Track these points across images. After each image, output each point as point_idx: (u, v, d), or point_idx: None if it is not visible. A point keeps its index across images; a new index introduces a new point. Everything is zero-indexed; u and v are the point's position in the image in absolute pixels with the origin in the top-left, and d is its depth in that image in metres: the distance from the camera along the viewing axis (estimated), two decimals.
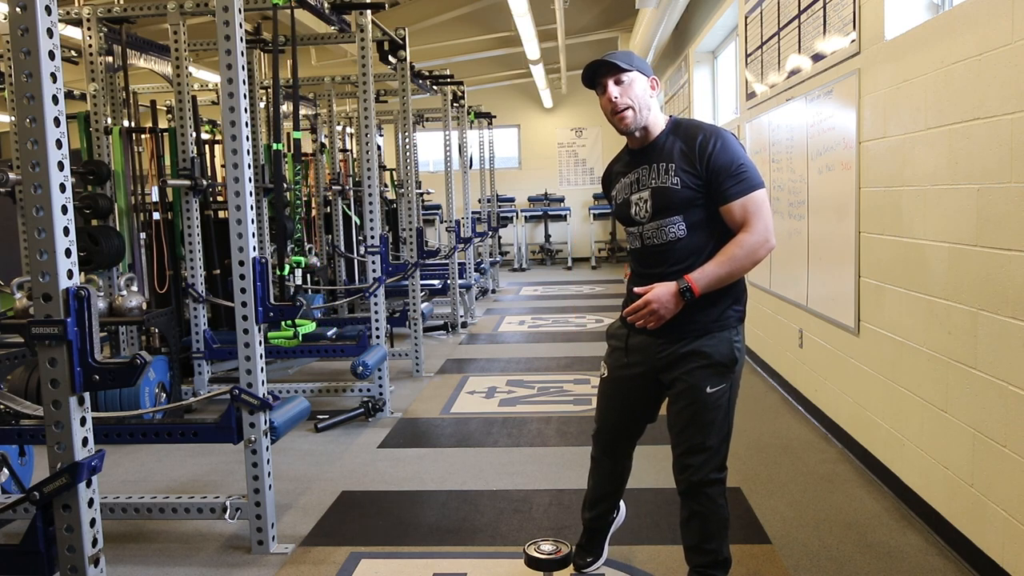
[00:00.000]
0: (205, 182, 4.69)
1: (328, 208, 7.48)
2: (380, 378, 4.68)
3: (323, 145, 7.88)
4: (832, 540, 2.87)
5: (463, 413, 4.73)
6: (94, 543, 2.03)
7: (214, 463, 3.88)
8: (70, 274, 1.91)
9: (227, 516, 2.90)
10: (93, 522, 2.02)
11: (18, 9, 1.82)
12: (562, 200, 14.13)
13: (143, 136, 5.11)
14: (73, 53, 6.42)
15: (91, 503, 2.02)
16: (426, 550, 2.89)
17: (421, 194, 8.99)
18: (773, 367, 5.10)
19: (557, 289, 10.75)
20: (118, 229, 4.73)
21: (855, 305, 3.56)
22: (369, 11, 4.56)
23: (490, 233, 10.71)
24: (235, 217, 2.77)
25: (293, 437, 4.23)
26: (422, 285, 6.53)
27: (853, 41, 3.53)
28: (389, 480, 3.62)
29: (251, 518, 2.90)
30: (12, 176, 4.21)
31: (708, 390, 2.23)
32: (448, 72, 7.55)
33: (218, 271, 5.42)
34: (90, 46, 4.60)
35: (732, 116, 6.79)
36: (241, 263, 2.78)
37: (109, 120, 4.73)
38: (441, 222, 12.93)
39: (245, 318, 2.80)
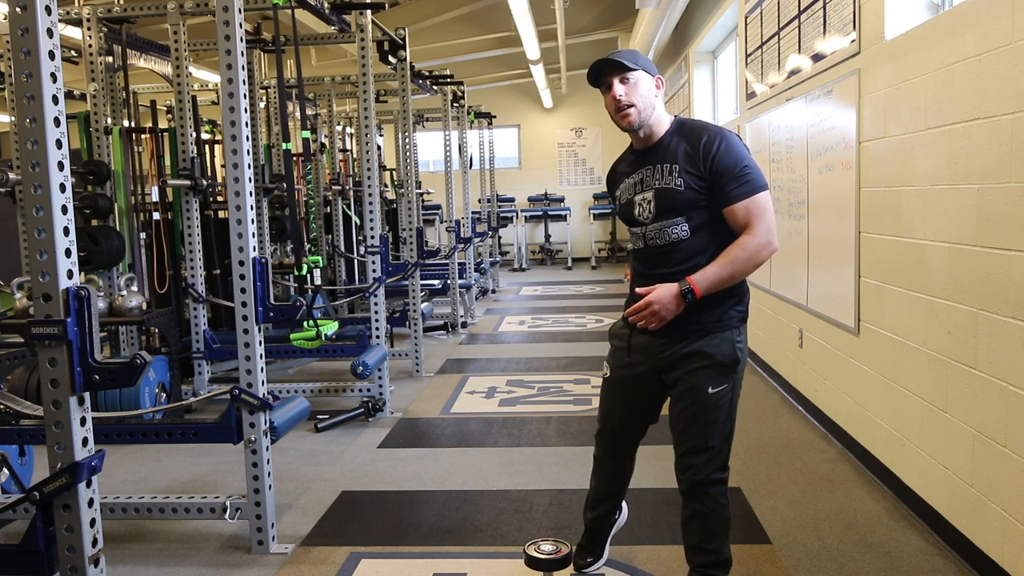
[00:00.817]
0: (205, 182, 4.68)
1: (328, 208, 7.48)
2: (380, 378, 4.68)
3: (323, 145, 7.89)
4: (832, 540, 2.87)
5: (463, 413, 4.73)
6: (94, 543, 2.03)
7: (214, 463, 3.88)
8: (70, 274, 1.91)
9: (227, 516, 2.90)
10: (93, 522, 2.02)
11: (18, 9, 1.82)
12: (562, 200, 14.13)
13: (143, 136, 5.11)
14: (73, 53, 6.42)
15: (91, 503, 2.02)
16: (426, 550, 2.89)
17: (421, 194, 8.99)
18: (773, 367, 5.10)
19: (557, 289, 10.75)
20: (118, 229, 4.73)
21: (855, 305, 3.56)
22: (369, 11, 4.56)
23: (490, 233, 10.71)
24: (235, 217, 2.77)
25: (293, 437, 4.23)
26: (422, 285, 6.53)
27: (853, 41, 3.53)
28: (389, 480, 3.62)
29: (251, 518, 2.90)
30: (12, 176, 4.22)
31: (710, 390, 2.23)
32: (448, 72, 7.55)
33: (218, 271, 5.42)
34: (90, 46, 4.60)
35: (732, 116, 6.79)
36: (241, 263, 2.78)
37: (109, 120, 4.73)
38: (441, 222, 12.93)
39: (245, 318, 2.80)
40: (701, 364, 2.24)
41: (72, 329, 1.90)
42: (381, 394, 4.69)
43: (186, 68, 4.57)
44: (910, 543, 2.83)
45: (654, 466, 3.52)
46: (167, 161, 5.19)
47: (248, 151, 2.77)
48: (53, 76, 1.85)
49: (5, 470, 3.14)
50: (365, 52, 4.59)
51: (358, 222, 7.69)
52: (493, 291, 10.51)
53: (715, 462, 2.26)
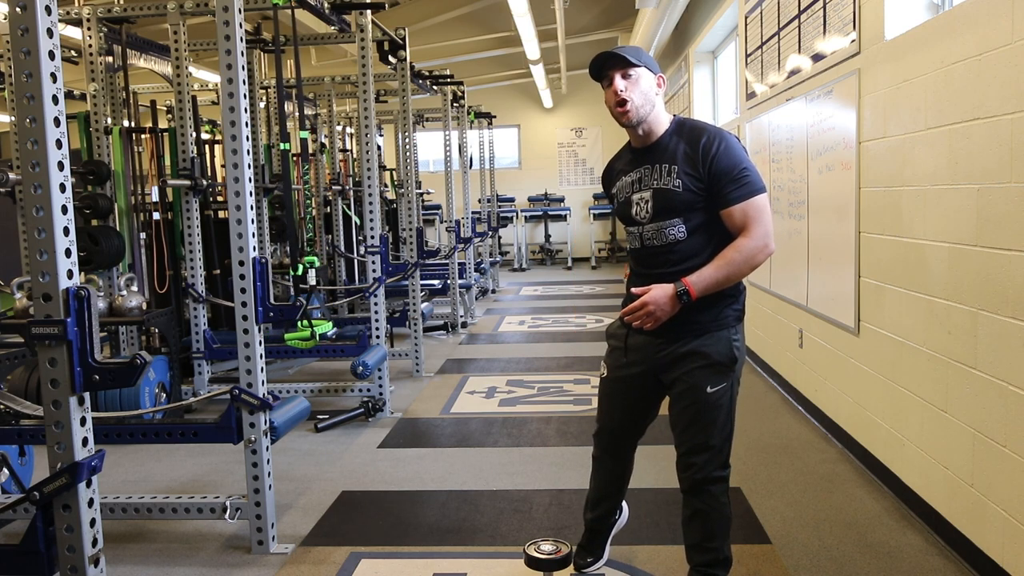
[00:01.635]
0: (205, 182, 4.68)
1: (328, 208, 7.48)
2: (380, 378, 4.68)
3: (323, 145, 7.89)
4: (832, 540, 2.87)
5: (463, 413, 4.73)
6: (94, 543, 2.03)
7: (214, 463, 3.88)
8: (70, 274, 1.91)
9: (227, 516, 2.90)
10: (93, 522, 2.02)
11: (18, 9, 1.82)
12: (562, 200, 14.14)
13: (143, 136, 5.11)
14: (73, 53, 6.42)
15: (91, 503, 2.02)
16: (426, 550, 2.89)
17: (421, 194, 8.99)
18: (773, 367, 5.10)
19: (557, 289, 10.75)
20: (118, 229, 4.73)
21: (855, 305, 3.56)
22: (369, 11, 4.56)
23: (490, 233, 10.71)
24: (235, 217, 2.77)
25: (293, 437, 4.23)
26: (422, 285, 6.53)
27: (853, 41, 3.53)
28: (389, 480, 3.62)
29: (251, 518, 2.90)
30: (12, 176, 4.21)
31: (709, 390, 2.24)
32: (448, 72, 7.55)
33: (218, 271, 5.42)
34: (90, 46, 4.60)
35: (732, 116, 6.79)
36: (241, 263, 2.78)
37: (109, 120, 4.73)
38: (441, 222, 12.93)
39: (245, 318, 2.80)
40: (699, 364, 2.24)
41: (72, 329, 1.90)
42: (381, 394, 4.69)
43: (186, 68, 4.57)
44: (910, 543, 2.83)
45: (654, 466, 3.51)
46: (167, 161, 5.19)
47: (248, 151, 2.77)
48: (53, 76, 1.85)
49: (5, 470, 3.14)
50: (365, 52, 4.59)
51: (358, 222, 7.69)
52: (493, 291, 10.51)
53: (716, 460, 2.27)
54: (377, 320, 4.72)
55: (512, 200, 13.90)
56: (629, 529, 2.88)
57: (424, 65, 8.82)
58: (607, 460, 2.57)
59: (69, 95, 6.49)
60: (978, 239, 2.51)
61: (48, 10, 1.83)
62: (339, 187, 7.50)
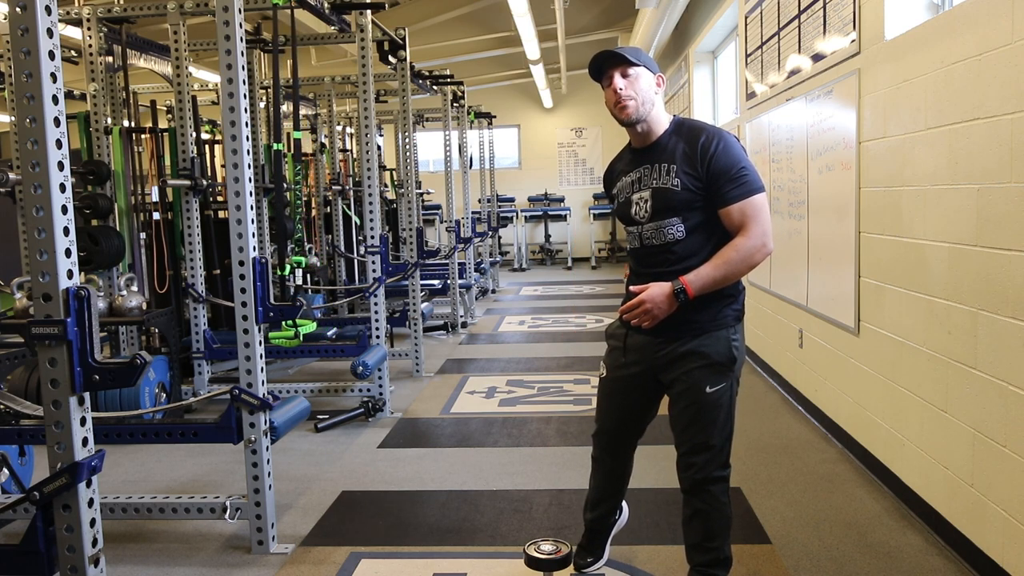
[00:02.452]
0: (205, 182, 4.69)
1: (328, 208, 7.48)
2: (380, 378, 4.68)
3: (323, 145, 7.89)
4: (832, 540, 2.87)
5: (463, 413, 4.73)
6: (94, 543, 2.03)
7: (214, 463, 3.88)
8: (70, 274, 1.91)
9: (227, 516, 2.90)
10: (93, 522, 2.02)
11: (18, 9, 1.82)
12: (562, 200, 14.13)
13: (143, 136, 5.11)
14: (73, 53, 6.42)
15: (91, 503, 2.02)
16: (426, 550, 2.89)
17: (421, 194, 8.99)
18: (773, 367, 5.10)
19: (557, 289, 10.75)
20: (118, 229, 4.73)
21: (855, 305, 3.56)
22: (369, 11, 4.56)
23: (490, 233, 10.71)
24: (235, 217, 2.77)
25: (293, 437, 4.23)
26: (422, 285, 6.53)
27: (853, 41, 3.53)
28: (389, 480, 3.62)
29: (251, 518, 2.90)
30: (12, 176, 4.21)
31: (708, 389, 2.24)
32: (448, 72, 7.55)
33: (218, 271, 5.42)
34: (90, 46, 4.60)
35: (732, 116, 6.79)
36: (241, 263, 2.78)
37: (109, 120, 4.73)
38: (441, 222, 12.93)
39: (245, 318, 2.80)
40: (698, 363, 2.25)
41: (72, 329, 1.90)
42: (381, 394, 4.69)
43: (186, 68, 4.57)
44: (910, 543, 2.83)
45: (654, 466, 3.51)
46: (167, 161, 5.19)
47: (248, 151, 2.77)
48: (53, 76, 1.85)
49: (5, 470, 3.14)
50: (365, 52, 4.59)
51: (358, 222, 7.69)
52: (493, 291, 10.51)
53: (716, 460, 2.27)
54: (377, 320, 4.72)
55: (512, 200, 13.90)
56: (629, 529, 2.88)
57: (424, 65, 8.82)
58: (606, 460, 2.57)
59: (69, 95, 6.49)
60: (978, 239, 2.51)
61: (48, 10, 1.83)
62: (339, 187, 7.50)
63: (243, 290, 2.79)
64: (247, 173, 2.76)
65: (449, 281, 7.57)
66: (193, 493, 3.29)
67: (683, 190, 2.22)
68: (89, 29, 4.58)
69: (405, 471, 3.72)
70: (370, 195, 4.75)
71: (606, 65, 2.28)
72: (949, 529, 2.75)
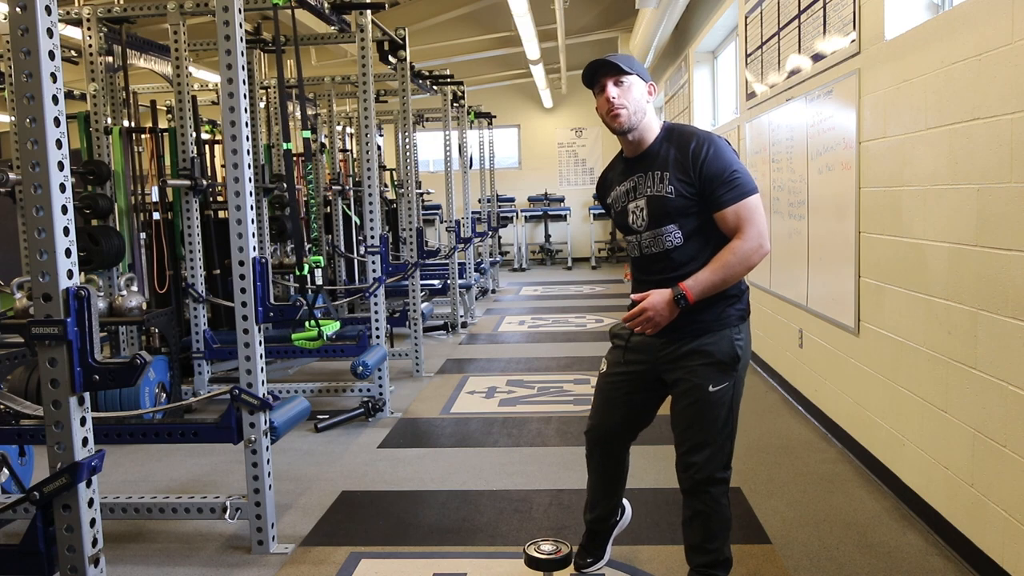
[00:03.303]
0: (205, 182, 4.68)
1: (328, 208, 7.48)
2: (380, 378, 4.68)
3: (323, 145, 7.89)
4: (832, 540, 2.87)
5: (463, 413, 4.73)
6: (94, 543, 2.03)
7: (214, 463, 3.88)
8: (70, 274, 1.91)
9: (227, 516, 2.90)
10: (93, 522, 2.02)
11: (18, 9, 1.82)
12: (562, 200, 14.14)
13: (143, 136, 5.11)
14: (73, 53, 6.42)
15: (91, 503, 2.02)
16: (426, 550, 2.89)
17: (421, 194, 8.99)
18: (773, 367, 5.10)
19: (557, 289, 10.75)
20: (118, 229, 4.73)
21: (855, 305, 3.56)
22: (369, 11, 4.56)
23: (490, 233, 10.71)
24: (235, 217, 2.77)
25: (293, 437, 4.23)
26: (422, 285, 6.53)
27: (853, 41, 3.53)
28: (389, 480, 3.62)
29: (251, 518, 2.90)
30: (12, 176, 4.21)
31: (711, 388, 2.24)
32: (448, 72, 7.55)
33: (218, 271, 5.42)
34: (90, 46, 4.60)
35: (732, 116, 6.79)
36: (241, 263, 2.78)
37: (109, 120, 4.73)
38: (441, 222, 12.93)
39: (245, 318, 2.80)
40: (701, 362, 2.25)
41: (72, 329, 1.90)
42: (381, 394, 4.69)
43: (186, 68, 4.57)
44: (910, 543, 2.83)
45: (654, 466, 3.52)
46: (167, 161, 5.19)
47: (248, 151, 2.77)
48: (53, 76, 1.85)
49: (5, 470, 3.14)
50: (365, 52, 4.59)
51: (358, 222, 7.69)
52: (493, 291, 10.51)
53: (717, 461, 2.27)
54: (377, 320, 4.72)
55: (512, 200, 13.90)
56: (630, 529, 2.88)
57: (424, 65, 8.82)
58: (599, 457, 2.54)
59: (69, 95, 6.49)
60: (978, 239, 2.51)
61: (48, 10, 1.83)
62: (339, 187, 7.50)
63: (243, 290, 2.79)
64: (247, 173, 2.76)
65: (449, 281, 7.57)
66: (193, 493, 3.29)
67: (677, 197, 2.23)
68: (89, 29, 4.58)
69: (405, 471, 3.72)
70: (370, 195, 4.75)
71: (599, 73, 2.29)
72: (949, 529, 2.75)
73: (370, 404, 4.56)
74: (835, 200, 3.81)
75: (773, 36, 4.88)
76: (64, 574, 2.02)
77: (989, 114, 2.43)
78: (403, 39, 5.42)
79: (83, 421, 1.99)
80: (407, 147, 7.14)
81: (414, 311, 5.71)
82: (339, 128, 8.57)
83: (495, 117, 10.56)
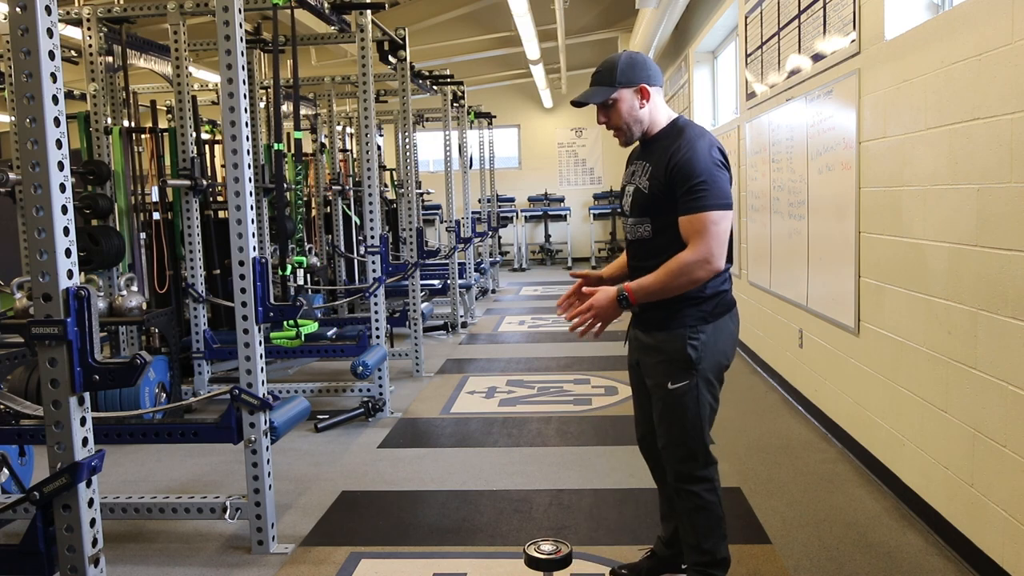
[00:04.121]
0: (205, 182, 4.68)
1: (328, 208, 7.47)
2: (380, 378, 4.68)
3: (323, 145, 7.89)
4: (832, 540, 2.87)
5: (463, 413, 4.73)
6: (94, 543, 2.03)
7: (214, 463, 3.88)
8: (70, 274, 1.90)
9: (227, 516, 2.90)
10: (93, 522, 2.02)
11: (18, 9, 1.81)
12: (562, 200, 14.14)
13: (143, 136, 5.11)
14: (73, 53, 6.42)
15: (91, 503, 2.02)
16: (426, 550, 2.89)
17: (421, 194, 8.99)
18: (773, 367, 5.10)
19: (557, 289, 10.74)
20: (118, 229, 4.73)
21: (855, 305, 3.56)
22: (369, 11, 4.56)
23: (490, 233, 10.71)
24: (235, 217, 2.77)
25: (293, 437, 4.23)
26: (422, 285, 6.53)
27: (853, 41, 3.53)
28: (389, 480, 3.62)
29: (251, 518, 2.90)
30: (12, 176, 4.21)
31: (670, 386, 2.26)
32: (448, 72, 7.55)
33: (218, 271, 5.42)
34: (90, 46, 4.60)
35: (732, 116, 6.79)
36: (241, 263, 2.78)
37: (109, 120, 4.73)
38: (441, 222, 12.93)
39: (245, 318, 2.80)
40: (658, 359, 2.30)
41: (72, 329, 1.90)
42: (381, 394, 4.69)
43: (186, 68, 4.57)
44: (910, 543, 2.83)
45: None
46: (167, 161, 5.18)
47: (248, 151, 2.77)
48: (53, 76, 1.85)
49: (5, 470, 3.14)
50: (365, 52, 4.59)
51: (358, 222, 7.69)
52: (493, 291, 10.51)
53: (692, 459, 2.28)
54: (377, 320, 4.72)
55: (512, 200, 13.91)
56: (629, 529, 2.89)
57: (424, 65, 8.82)
58: (649, 464, 2.55)
59: (69, 95, 6.49)
60: (978, 239, 2.51)
61: (48, 10, 1.83)
62: (339, 187, 7.50)
63: (243, 290, 2.79)
64: (247, 173, 2.76)
65: (449, 281, 7.57)
66: (193, 493, 3.29)
67: (650, 193, 2.26)
68: (89, 29, 4.58)
69: (405, 471, 3.72)
70: (370, 195, 4.75)
71: (584, 105, 2.33)
72: (949, 529, 2.75)
73: (370, 404, 4.56)
74: (835, 200, 3.81)
75: (773, 36, 4.88)
76: (64, 574, 2.01)
77: (989, 114, 2.43)
78: (403, 39, 5.42)
79: (83, 421, 1.99)
80: (407, 147, 7.14)
81: (414, 311, 5.71)
82: (339, 128, 8.56)
83: (495, 117, 10.56)
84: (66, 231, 1.89)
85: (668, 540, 2.52)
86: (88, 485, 2.00)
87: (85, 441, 2.00)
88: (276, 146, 3.82)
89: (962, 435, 2.64)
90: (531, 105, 14.09)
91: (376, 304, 4.71)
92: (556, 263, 14.09)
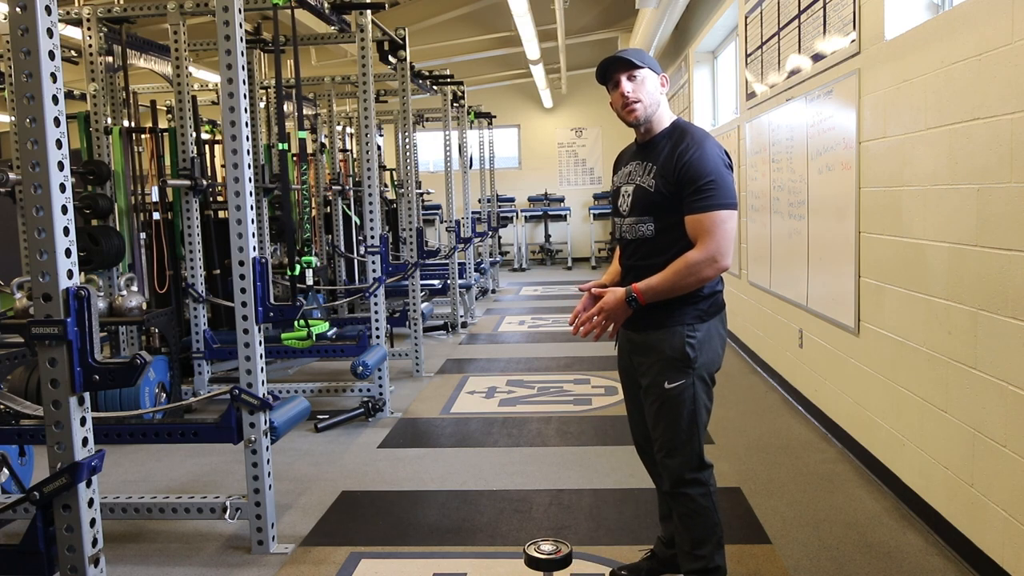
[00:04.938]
0: (205, 182, 4.68)
1: (328, 208, 7.48)
2: (380, 378, 4.68)
3: (323, 145, 7.89)
4: (832, 540, 2.87)
5: (463, 413, 4.73)
6: (94, 543, 2.03)
7: (214, 463, 3.88)
8: (70, 274, 1.90)
9: (227, 516, 2.90)
10: (93, 522, 2.02)
11: (18, 9, 1.82)
12: (562, 200, 14.14)
13: (143, 136, 5.11)
14: (73, 53, 6.42)
15: (91, 503, 2.02)
16: (426, 550, 2.89)
17: (421, 194, 8.99)
18: (773, 367, 5.10)
19: (557, 289, 10.75)
20: (118, 229, 4.73)
21: (855, 305, 3.56)
22: (369, 11, 4.56)
23: (490, 233, 10.71)
24: (235, 217, 2.77)
25: (293, 437, 4.23)
26: (422, 285, 6.53)
27: (853, 41, 3.53)
28: (389, 480, 3.62)
29: (251, 518, 2.90)
30: (12, 176, 4.21)
31: (666, 385, 2.25)
32: (448, 72, 7.55)
33: (218, 271, 5.42)
34: (90, 46, 4.60)
35: (732, 116, 6.79)
36: (241, 263, 2.78)
37: (109, 120, 4.73)
38: (441, 222, 12.93)
39: (245, 318, 2.80)
40: (654, 358, 2.29)
41: (72, 329, 1.90)
42: (381, 394, 4.69)
43: (186, 68, 4.57)
44: (910, 543, 2.83)
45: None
46: (167, 161, 5.18)
47: (248, 151, 2.77)
48: (53, 76, 1.85)
49: (5, 470, 3.14)
50: (365, 52, 4.59)
51: (358, 222, 7.69)
52: (493, 291, 10.51)
53: (687, 461, 2.27)
54: (377, 320, 4.72)
55: (512, 200, 13.90)
56: (628, 529, 2.89)
57: (424, 65, 8.82)
58: (647, 466, 2.55)
59: (69, 95, 6.49)
60: (978, 239, 2.51)
61: (48, 10, 1.83)
62: (339, 187, 7.50)
63: (243, 290, 2.79)
64: (247, 173, 2.76)
65: (449, 281, 7.57)
66: (193, 493, 3.29)
67: (656, 192, 2.26)
68: (89, 29, 4.58)
69: (405, 471, 3.72)
70: (370, 195, 4.75)
71: (612, 69, 2.31)
72: (949, 529, 2.75)
73: (370, 404, 4.56)
74: (835, 200, 3.81)
75: (773, 36, 4.88)
76: (64, 574, 2.01)
77: (989, 114, 2.43)
78: (403, 39, 5.42)
79: (83, 421, 1.99)
80: (407, 147, 7.14)
81: (414, 311, 5.71)
82: (339, 128, 8.56)
83: (495, 117, 10.56)
84: (66, 231, 1.89)
85: (668, 540, 2.52)
86: (88, 485, 2.00)
87: (85, 441, 2.00)
88: (280, 146, 3.82)
89: (962, 435, 2.64)
90: (531, 105, 14.09)
91: (376, 304, 4.71)
92: (556, 263, 14.09)
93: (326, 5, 4.30)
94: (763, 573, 2.65)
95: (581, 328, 2.29)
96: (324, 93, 7.89)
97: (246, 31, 3.88)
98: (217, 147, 7.13)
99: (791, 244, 4.56)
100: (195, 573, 2.78)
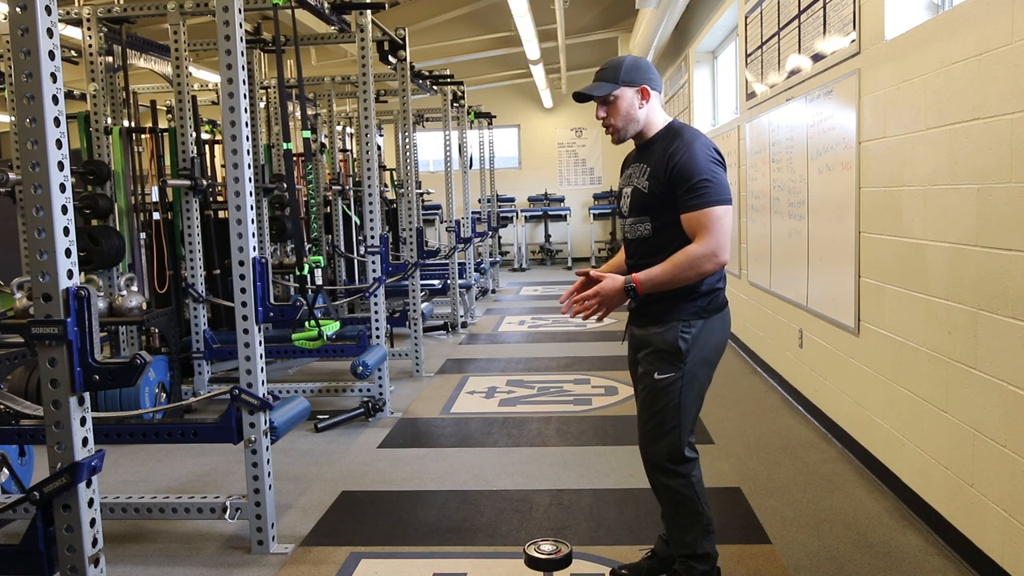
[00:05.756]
0: (205, 182, 4.68)
1: (328, 208, 7.48)
2: (380, 378, 4.68)
3: (323, 145, 7.89)
4: (832, 540, 2.87)
5: (463, 413, 4.73)
6: (94, 543, 2.03)
7: (214, 463, 3.88)
8: (70, 274, 1.90)
9: (227, 516, 2.90)
10: (93, 522, 2.02)
11: (18, 9, 1.82)
12: (562, 200, 14.14)
13: (143, 136, 5.11)
14: (73, 53, 6.42)
15: (91, 503, 2.02)
16: (426, 550, 2.89)
17: (421, 194, 8.99)
18: (773, 367, 5.10)
19: (557, 289, 10.74)
20: (118, 229, 4.73)
21: (855, 305, 3.56)
22: (369, 11, 4.56)
23: (490, 233, 10.71)
24: (235, 217, 2.77)
25: (293, 437, 4.23)
26: (422, 285, 6.53)
27: (853, 41, 3.53)
28: (389, 480, 3.62)
29: (251, 518, 2.90)
30: (12, 176, 4.21)
31: (656, 376, 2.31)
32: (448, 72, 7.55)
33: (218, 271, 5.42)
34: (90, 46, 4.60)
35: (732, 116, 6.79)
36: (241, 263, 2.78)
37: (109, 120, 4.73)
38: (441, 222, 12.93)
39: (245, 318, 2.80)
40: (649, 350, 2.35)
41: (72, 329, 1.90)
42: (381, 394, 4.69)
43: (186, 68, 4.57)
44: (910, 543, 2.83)
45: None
46: (167, 161, 5.18)
47: (248, 151, 2.77)
48: (53, 76, 1.85)
49: (5, 470, 3.14)
50: (365, 52, 4.59)
51: (358, 222, 7.69)
52: (493, 291, 10.51)
53: (669, 451, 2.32)
54: (377, 320, 4.72)
55: (512, 200, 13.91)
56: (628, 529, 2.89)
57: (424, 65, 8.82)
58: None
59: (69, 95, 6.49)
60: (978, 239, 2.51)
61: (48, 10, 1.83)
62: (339, 187, 7.50)
63: (243, 290, 2.79)
64: (247, 173, 2.76)
65: (449, 281, 7.57)
66: (193, 493, 3.29)
67: (649, 193, 2.31)
68: (89, 29, 4.58)
69: (405, 471, 3.72)
70: (370, 195, 4.75)
71: (582, 100, 2.38)
72: (949, 529, 2.75)
73: (370, 404, 4.56)
74: (835, 200, 3.81)
75: (773, 36, 4.88)
76: (64, 574, 2.02)
77: (989, 114, 2.43)
78: (403, 39, 5.42)
79: (83, 421, 1.99)
80: (407, 147, 7.14)
81: (414, 311, 5.71)
82: (339, 128, 8.56)
83: (495, 117, 10.56)
84: (66, 231, 1.89)
85: (669, 539, 2.52)
86: (88, 485, 2.00)
87: (85, 441, 2.00)
88: (285, 146, 3.82)
89: (962, 435, 2.64)
90: (531, 105, 14.09)
91: (376, 304, 4.71)
92: (556, 263, 14.09)
93: (326, 5, 4.30)
94: (763, 573, 2.65)
95: (574, 307, 2.31)
96: (324, 93, 7.89)
97: (246, 31, 3.88)
98: (217, 147, 7.13)
99: (791, 244, 4.56)
100: (195, 573, 2.78)
